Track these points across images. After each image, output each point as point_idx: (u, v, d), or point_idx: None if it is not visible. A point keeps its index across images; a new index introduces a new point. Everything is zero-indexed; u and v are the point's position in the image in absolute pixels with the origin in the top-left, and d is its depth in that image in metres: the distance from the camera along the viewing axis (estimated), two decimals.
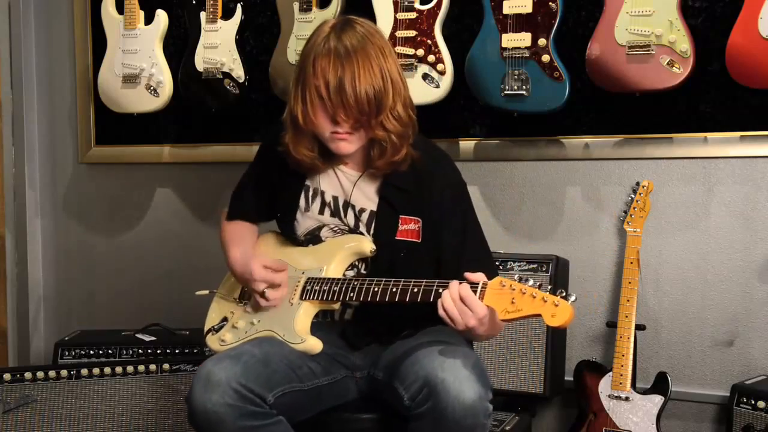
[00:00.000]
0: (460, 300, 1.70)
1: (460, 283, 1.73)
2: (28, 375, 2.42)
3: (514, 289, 1.65)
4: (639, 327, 2.51)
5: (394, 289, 1.81)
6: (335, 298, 1.91)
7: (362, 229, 2.02)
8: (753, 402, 2.34)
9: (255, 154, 2.19)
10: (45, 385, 2.43)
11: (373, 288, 1.85)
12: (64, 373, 2.45)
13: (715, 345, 2.59)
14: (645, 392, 2.44)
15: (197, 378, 1.78)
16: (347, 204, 2.03)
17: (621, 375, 2.44)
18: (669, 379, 2.43)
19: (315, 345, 1.93)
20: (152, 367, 2.51)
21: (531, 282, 1.66)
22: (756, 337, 2.54)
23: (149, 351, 2.75)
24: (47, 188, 3.47)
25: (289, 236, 2.10)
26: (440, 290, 1.74)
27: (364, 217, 2.02)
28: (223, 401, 1.74)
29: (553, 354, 2.56)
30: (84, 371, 2.46)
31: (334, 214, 2.04)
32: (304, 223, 2.07)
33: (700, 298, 2.60)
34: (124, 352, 2.75)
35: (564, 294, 1.62)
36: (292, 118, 1.92)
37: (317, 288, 1.93)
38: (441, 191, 1.96)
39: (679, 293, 2.62)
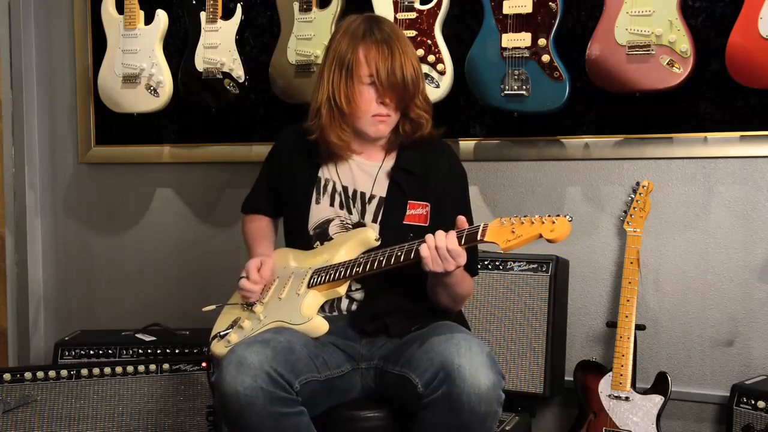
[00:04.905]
0: (442, 247, 1.81)
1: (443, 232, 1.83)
2: (28, 375, 2.42)
3: (513, 223, 1.77)
4: (639, 327, 2.51)
5: (381, 258, 1.91)
6: (339, 277, 1.96)
7: (368, 217, 2.07)
8: (753, 402, 2.34)
9: (267, 153, 2.28)
10: (45, 385, 2.43)
11: (365, 260, 1.94)
12: (64, 373, 2.44)
13: (715, 345, 2.59)
14: (645, 392, 2.44)
15: (228, 362, 1.79)
16: (356, 193, 2.08)
17: (621, 375, 2.44)
18: (669, 379, 2.44)
19: (321, 324, 1.95)
20: (152, 367, 2.50)
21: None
22: (756, 337, 2.54)
23: (149, 351, 2.75)
24: (47, 188, 3.46)
25: (299, 232, 2.13)
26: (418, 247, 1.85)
27: (373, 204, 2.07)
28: (255, 384, 1.75)
29: (553, 354, 2.56)
30: (84, 371, 2.46)
31: (344, 205, 2.09)
32: (315, 215, 2.11)
33: (700, 298, 2.60)
34: (124, 352, 2.75)
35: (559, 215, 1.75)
36: (333, 103, 2.03)
37: (323, 274, 1.99)
38: (447, 176, 2.09)
39: (679, 293, 2.62)
